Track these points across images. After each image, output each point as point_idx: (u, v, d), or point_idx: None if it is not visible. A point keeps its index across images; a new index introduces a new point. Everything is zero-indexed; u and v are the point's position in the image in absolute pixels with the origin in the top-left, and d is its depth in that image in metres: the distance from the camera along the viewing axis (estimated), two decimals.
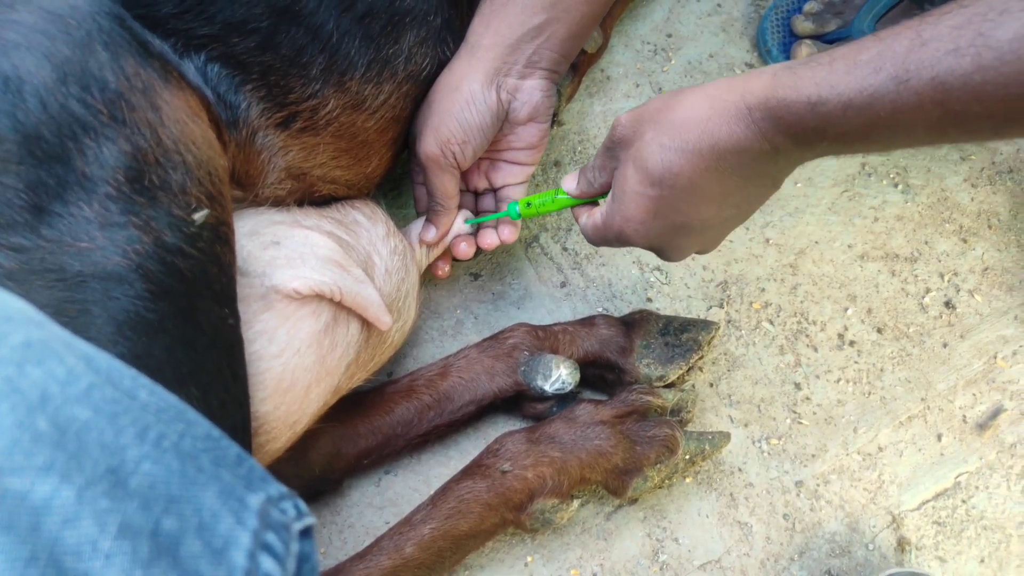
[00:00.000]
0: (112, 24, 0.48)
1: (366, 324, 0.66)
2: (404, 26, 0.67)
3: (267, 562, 0.34)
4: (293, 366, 0.59)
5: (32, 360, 0.32)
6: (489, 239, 0.76)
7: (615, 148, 0.61)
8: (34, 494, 0.29)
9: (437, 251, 0.78)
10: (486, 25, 0.69)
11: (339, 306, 0.62)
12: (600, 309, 0.87)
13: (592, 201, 0.68)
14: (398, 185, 0.90)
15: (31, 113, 0.45)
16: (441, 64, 0.71)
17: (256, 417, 0.57)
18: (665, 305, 0.87)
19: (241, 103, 0.58)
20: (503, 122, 0.71)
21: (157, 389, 0.37)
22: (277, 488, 0.37)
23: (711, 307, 0.88)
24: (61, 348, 0.33)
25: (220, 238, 0.52)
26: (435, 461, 0.77)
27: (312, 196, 0.68)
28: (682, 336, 0.77)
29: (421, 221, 0.78)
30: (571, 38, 0.70)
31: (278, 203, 0.65)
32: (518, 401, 0.77)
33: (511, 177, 0.75)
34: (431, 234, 0.76)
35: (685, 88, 0.58)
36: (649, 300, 0.87)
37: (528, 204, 0.73)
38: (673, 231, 0.60)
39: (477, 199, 0.79)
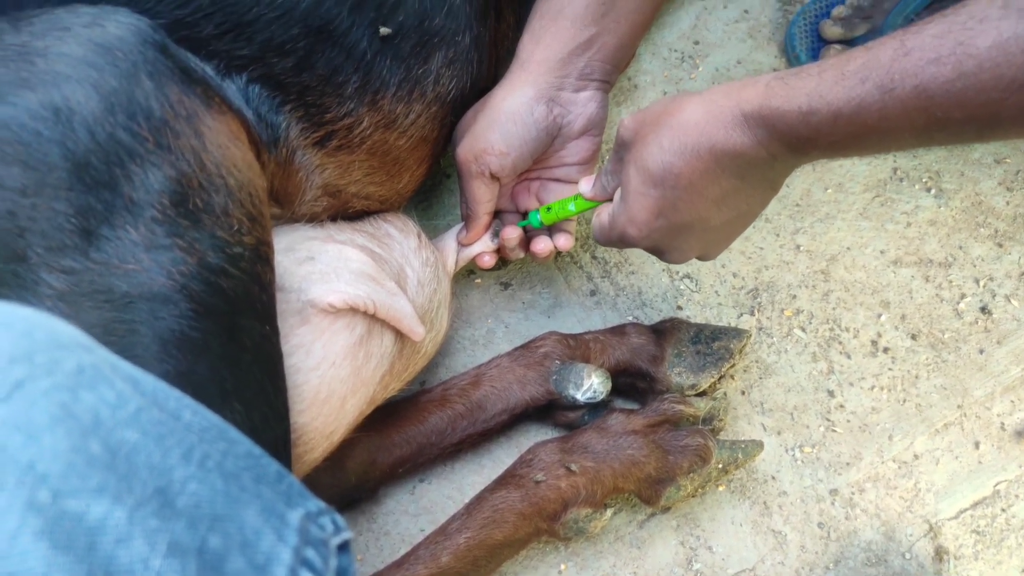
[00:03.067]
0: (156, 54, 0.50)
1: (400, 335, 0.67)
2: (433, 46, 0.68)
3: None
4: (329, 378, 0.60)
5: (85, 385, 0.33)
6: (542, 245, 0.77)
7: (621, 151, 0.62)
8: (89, 515, 0.30)
9: (464, 262, 0.79)
10: (536, 41, 0.70)
11: (373, 318, 0.63)
12: (630, 318, 0.87)
13: None
14: (428, 197, 0.92)
15: (80, 142, 0.47)
16: (467, 88, 0.72)
17: (294, 428, 0.59)
18: (695, 313, 0.87)
19: (280, 123, 0.60)
20: (555, 137, 0.72)
21: (200, 409, 0.38)
22: (316, 504, 0.38)
23: (742, 314, 0.88)
24: (110, 372, 0.34)
25: (261, 258, 0.53)
26: (468, 469, 0.78)
27: (346, 212, 0.70)
28: (713, 344, 0.78)
29: (454, 231, 0.80)
30: (622, 48, 0.71)
31: (313, 219, 0.67)
32: (550, 410, 0.78)
33: (561, 196, 0.76)
34: (462, 236, 0.77)
35: (686, 93, 0.60)
36: (679, 308, 0.88)
37: (548, 209, 0.74)
38: (674, 232, 0.62)
39: (524, 219, 0.80)
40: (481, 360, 0.83)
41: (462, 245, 0.78)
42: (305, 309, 0.59)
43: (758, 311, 0.88)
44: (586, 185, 0.69)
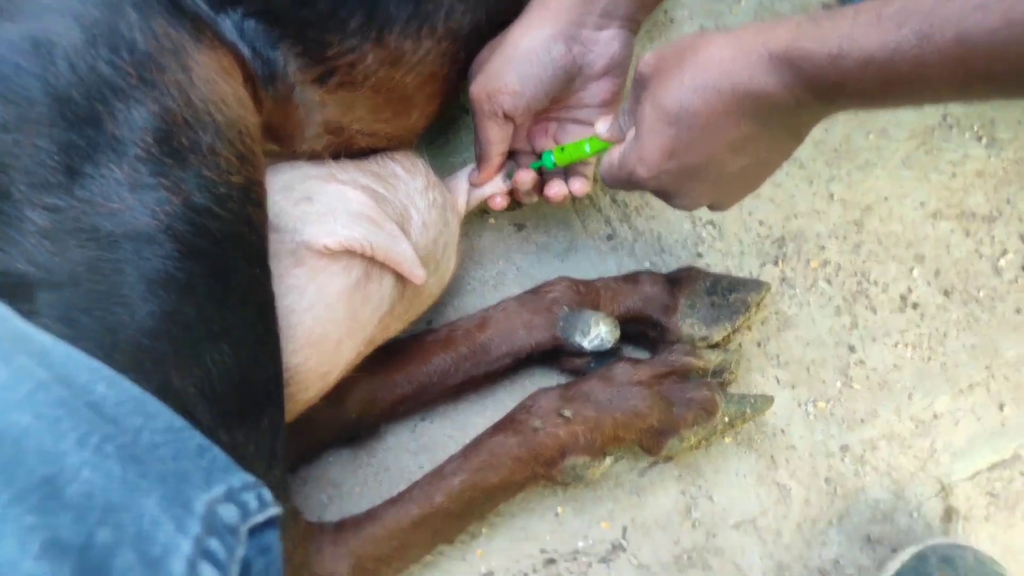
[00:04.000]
0: None
1: (401, 278, 0.66)
2: None
3: (207, 571, 0.32)
4: (324, 320, 0.60)
5: None
6: (556, 188, 0.74)
7: (639, 88, 0.59)
8: None
9: (475, 203, 0.77)
10: None
11: (371, 261, 0.63)
12: (647, 264, 0.85)
13: None
14: (445, 133, 0.89)
15: (61, 76, 0.46)
16: (483, 22, 0.69)
17: (287, 368, 0.59)
18: (716, 261, 0.84)
19: (278, 59, 0.58)
20: (574, 78, 0.69)
21: (117, 380, 0.37)
22: (241, 478, 0.36)
23: (765, 264, 0.85)
24: (11, 347, 0.32)
25: (251, 199, 0.52)
26: (471, 411, 0.78)
27: (351, 149, 0.68)
28: (730, 296, 0.75)
29: (466, 170, 0.78)
30: None
31: (315, 157, 0.65)
32: (556, 355, 0.77)
33: (580, 138, 0.73)
34: (474, 177, 0.75)
35: (713, 30, 0.57)
36: (699, 256, 0.85)
37: (562, 150, 0.71)
38: (686, 174, 0.59)
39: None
40: (491, 302, 0.82)
41: (473, 185, 0.76)
42: (299, 250, 0.59)
43: (782, 261, 0.85)
44: (603, 125, 0.66)
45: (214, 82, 0.51)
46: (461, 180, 0.77)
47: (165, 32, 0.49)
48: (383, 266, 0.64)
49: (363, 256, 0.61)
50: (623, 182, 0.63)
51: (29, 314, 0.46)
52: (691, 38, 0.57)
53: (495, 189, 0.76)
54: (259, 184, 0.53)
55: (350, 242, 0.59)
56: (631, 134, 0.61)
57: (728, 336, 0.77)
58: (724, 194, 0.62)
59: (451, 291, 0.82)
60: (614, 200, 0.87)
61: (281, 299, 0.58)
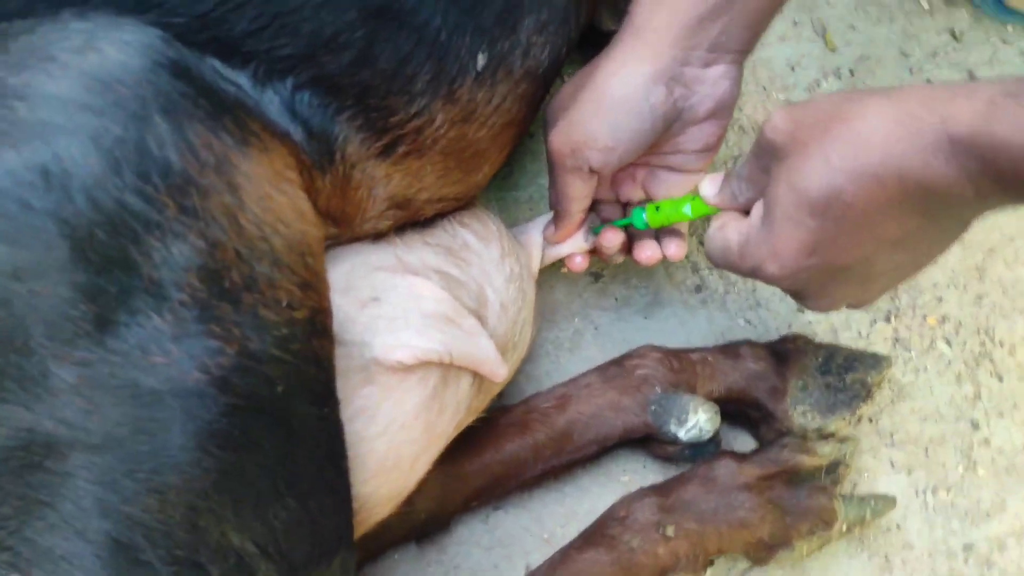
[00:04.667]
0: (171, 79, 0.38)
1: (478, 374, 0.57)
2: (522, 10, 0.53)
3: None
4: (399, 442, 0.51)
5: None
6: (649, 251, 0.64)
7: (766, 158, 0.48)
8: None
9: (550, 260, 0.67)
10: (658, 0, 0.54)
11: (449, 366, 0.53)
12: (741, 322, 0.75)
13: None
14: (508, 162, 0.78)
15: (81, 213, 0.36)
16: (563, 55, 0.58)
17: (356, 498, 0.50)
18: (820, 318, 0.74)
19: (336, 136, 0.48)
20: (673, 122, 0.58)
21: None
22: None
23: (876, 321, 0.75)
24: None
25: (317, 330, 0.43)
26: (549, 498, 0.69)
27: (416, 219, 0.58)
28: (846, 376, 0.65)
29: (539, 223, 0.67)
30: (766, 9, 0.55)
31: (378, 236, 0.55)
32: (645, 440, 0.68)
33: (674, 187, 0.62)
34: (549, 233, 0.65)
35: (863, 92, 0.46)
36: (801, 311, 0.75)
37: (657, 209, 0.60)
38: (829, 275, 0.49)
39: (626, 212, 0.67)
40: (567, 366, 0.73)
41: (550, 243, 0.66)
42: (369, 367, 0.49)
43: (895, 317, 0.75)
44: (710, 187, 0.55)
45: (268, 198, 0.40)
46: (534, 234, 0.67)
47: (206, 142, 0.38)
48: (461, 367, 0.55)
49: (440, 363, 0.52)
50: (741, 270, 0.52)
51: (62, 476, 0.39)
52: (838, 101, 0.46)
53: (575, 248, 0.66)
54: (325, 311, 0.44)
55: (427, 354, 0.50)
56: (756, 214, 0.51)
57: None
58: (870, 292, 0.52)
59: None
60: (702, 244, 0.77)
61: (349, 423, 0.49)
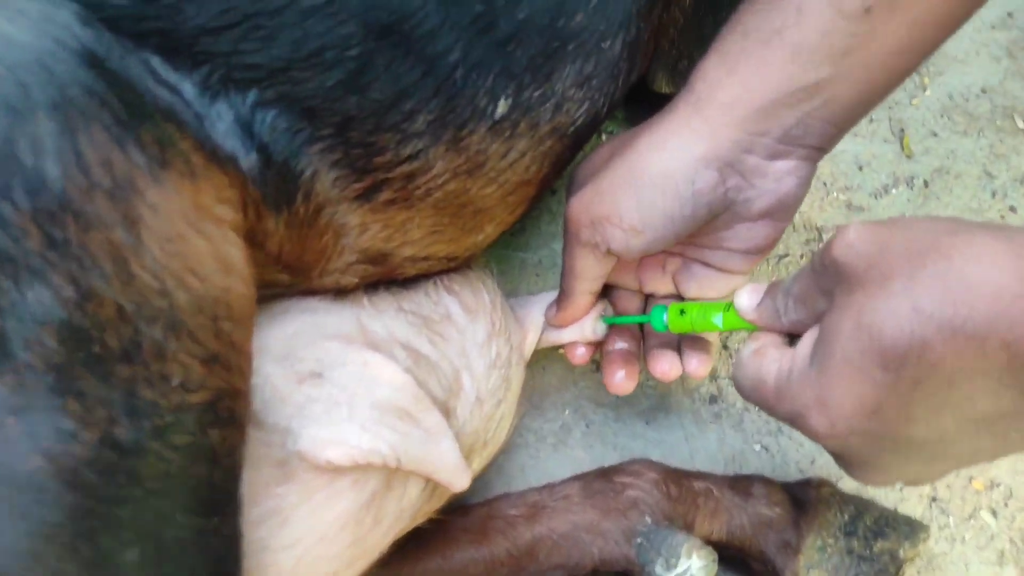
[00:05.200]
0: (76, 69, 0.28)
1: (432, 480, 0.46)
2: (563, 56, 0.44)
3: None
4: (313, 558, 0.41)
5: None
6: (666, 365, 0.53)
7: (830, 279, 0.38)
8: None
9: (548, 344, 0.57)
10: (729, 70, 0.44)
11: (396, 470, 0.43)
12: (757, 447, 0.64)
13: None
14: (523, 217, 0.68)
15: None
16: (603, 113, 0.48)
17: None
18: None
19: (303, 169, 0.38)
20: (719, 215, 0.48)
21: None
22: None
23: None
24: None
25: (220, 419, 0.33)
26: None
27: (393, 278, 0.48)
28: (874, 544, 0.54)
29: (543, 299, 0.57)
30: (859, 105, 0.45)
31: (341, 292, 0.45)
32: (626, 574, 0.57)
33: (709, 287, 0.52)
34: (551, 315, 0.55)
35: (972, 224, 0.35)
36: None
37: (681, 313, 0.50)
38: (889, 446, 0.38)
39: (647, 305, 0.56)
40: (546, 465, 0.62)
41: (550, 325, 0.56)
42: (290, 461, 0.39)
43: None
44: (748, 299, 0.45)
45: (181, 239, 0.30)
46: (535, 310, 0.57)
47: (104, 157, 0.28)
48: (410, 472, 0.44)
49: (384, 466, 0.41)
50: (777, 413, 0.42)
51: None
52: (938, 229, 0.35)
53: (577, 337, 0.56)
54: (236, 395, 0.33)
55: (368, 456, 0.40)
56: (806, 347, 0.40)
57: None
58: (932, 472, 0.41)
59: None
60: (724, 347, 0.66)
61: (253, 528, 0.38)
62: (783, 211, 0.48)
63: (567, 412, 0.64)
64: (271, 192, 0.37)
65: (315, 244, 0.41)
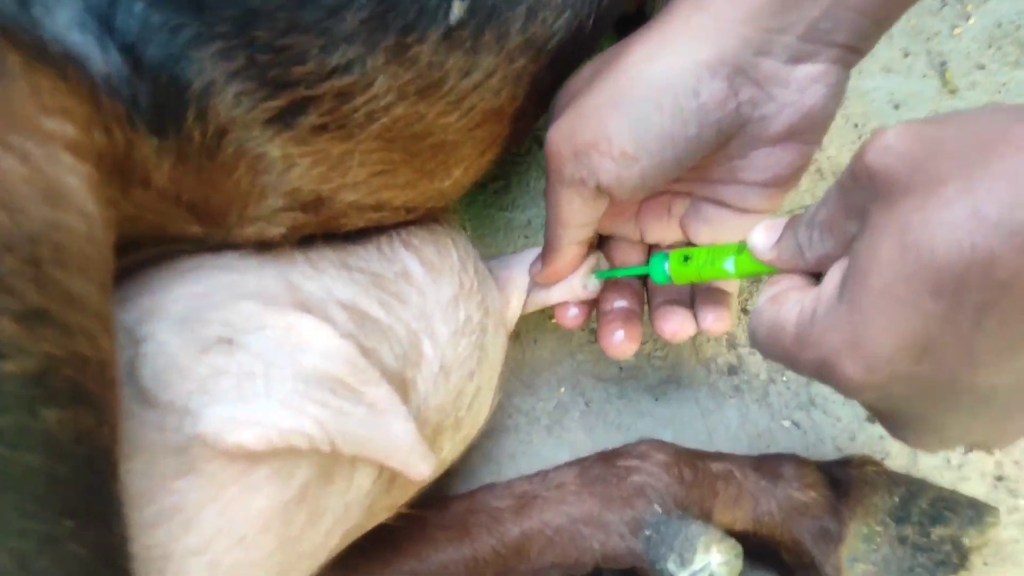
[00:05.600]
0: None
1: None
2: None
3: None
4: (230, 565, 0.33)
5: None
6: (676, 324, 0.45)
7: (862, 195, 0.30)
8: None
9: (534, 308, 0.49)
10: None
11: (333, 456, 0.35)
12: (787, 423, 0.55)
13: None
14: (506, 174, 0.60)
15: None
16: (588, 26, 0.40)
17: None
18: None
19: (191, 80, 0.30)
20: (732, 137, 0.39)
21: None
22: None
23: (971, 448, 0.54)
24: None
25: (58, 396, 0.25)
26: None
27: (336, 230, 0.40)
28: (932, 531, 0.45)
29: (526, 256, 0.49)
30: None
31: (267, 246, 0.37)
32: (631, 573, 0.49)
33: (724, 231, 0.43)
34: (536, 270, 0.47)
35: None
36: (870, 419, 0.55)
37: (685, 259, 0.41)
38: (949, 395, 0.30)
39: (650, 254, 0.48)
40: (540, 451, 0.54)
41: (535, 284, 0.48)
42: (191, 448, 0.31)
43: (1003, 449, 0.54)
44: (765, 237, 0.36)
45: None
46: (517, 271, 0.49)
47: None
48: (354, 458, 0.36)
49: (313, 450, 0.34)
50: (801, 368, 0.33)
51: None
52: (1000, 117, 0.27)
53: (567, 296, 0.47)
54: (80, 364, 0.26)
55: (289, 437, 0.32)
56: (834, 281, 0.32)
57: None
58: (1006, 431, 0.33)
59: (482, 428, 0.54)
60: (744, 311, 0.57)
61: (148, 532, 0.31)
62: (810, 130, 0.39)
63: (563, 390, 0.56)
64: (145, 108, 0.29)
65: (224, 183, 0.33)
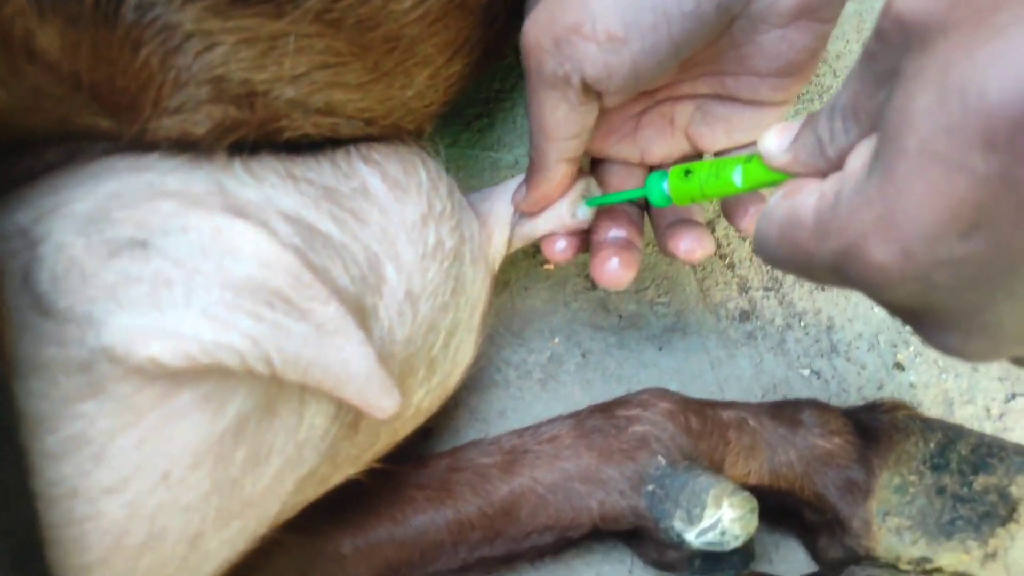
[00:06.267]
0: None
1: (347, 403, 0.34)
2: None
3: None
4: (154, 508, 0.28)
5: None
6: (692, 242, 0.40)
7: (892, 55, 0.25)
8: None
9: (521, 243, 0.44)
10: None
11: (273, 380, 0.30)
12: (805, 372, 0.50)
13: None
14: (490, 111, 0.56)
15: None
16: None
17: None
18: (928, 380, 0.49)
19: None
20: (735, 18, 0.34)
21: None
22: None
23: (1016, 395, 0.49)
24: None
25: None
26: None
27: (279, 137, 0.35)
28: (975, 480, 0.39)
29: (510, 185, 0.44)
30: None
31: (191, 147, 0.33)
32: (635, 533, 0.43)
33: (740, 130, 0.39)
34: (520, 196, 0.42)
35: None
36: (899, 367, 0.49)
37: (687, 174, 0.36)
38: (1006, 280, 0.24)
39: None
40: (532, 407, 0.49)
41: (520, 213, 0.43)
42: (96, 364, 0.26)
43: None
44: (778, 138, 0.31)
45: None
46: (499, 202, 0.44)
47: None
48: (308, 388, 0.32)
49: (246, 370, 0.29)
50: (817, 266, 0.28)
51: None
52: None
53: (555, 225, 0.42)
54: None
55: (213, 352, 0.27)
56: (857, 158, 0.27)
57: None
58: None
59: (468, 383, 0.49)
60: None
61: (52, 465, 0.26)
62: (826, 3, 0.34)
63: (557, 340, 0.51)
64: None
65: (128, 61, 0.29)
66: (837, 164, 0.29)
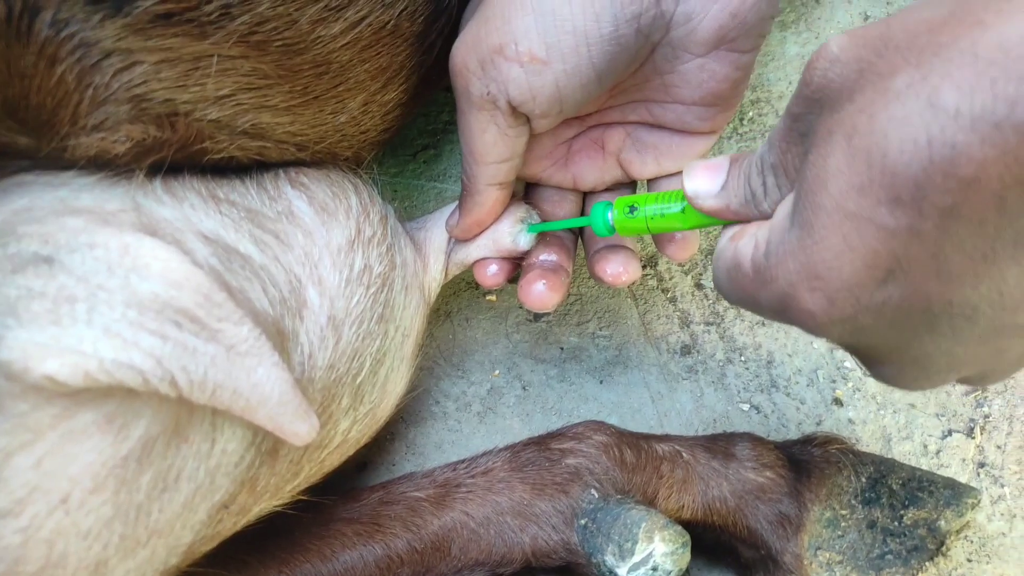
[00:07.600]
0: None
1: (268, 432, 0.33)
2: None
3: None
4: (53, 533, 0.27)
5: None
6: (618, 267, 0.41)
7: (811, 110, 0.26)
8: None
9: (457, 270, 0.44)
10: None
11: (183, 403, 0.29)
12: (745, 407, 0.50)
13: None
14: (436, 141, 0.56)
15: None
16: None
17: None
18: (866, 416, 0.49)
19: None
20: (655, 45, 0.35)
21: None
22: None
23: (951, 432, 0.49)
24: None
25: None
26: None
27: (204, 160, 0.35)
28: (904, 515, 0.39)
29: (445, 212, 0.44)
30: None
31: (109, 165, 0.32)
32: (565, 570, 0.43)
33: (668, 157, 0.40)
34: (453, 222, 0.42)
35: None
36: (838, 402, 0.49)
37: (631, 209, 0.36)
38: (926, 320, 0.25)
39: (587, 206, 0.44)
40: (471, 440, 0.49)
41: (454, 238, 0.43)
42: None
43: (982, 430, 0.49)
44: (706, 181, 0.32)
45: None
46: (435, 230, 0.44)
47: None
48: (213, 410, 0.31)
49: (149, 390, 0.28)
50: (761, 304, 0.29)
51: None
52: (950, 4, 0.23)
53: (488, 251, 0.42)
54: None
55: (114, 371, 0.26)
56: (785, 210, 0.28)
57: None
58: (1005, 358, 0.27)
59: (404, 415, 0.49)
60: (699, 285, 0.53)
61: None
62: (743, 34, 0.35)
63: (497, 372, 0.50)
64: None
65: (44, 78, 0.28)
66: (762, 213, 0.30)
